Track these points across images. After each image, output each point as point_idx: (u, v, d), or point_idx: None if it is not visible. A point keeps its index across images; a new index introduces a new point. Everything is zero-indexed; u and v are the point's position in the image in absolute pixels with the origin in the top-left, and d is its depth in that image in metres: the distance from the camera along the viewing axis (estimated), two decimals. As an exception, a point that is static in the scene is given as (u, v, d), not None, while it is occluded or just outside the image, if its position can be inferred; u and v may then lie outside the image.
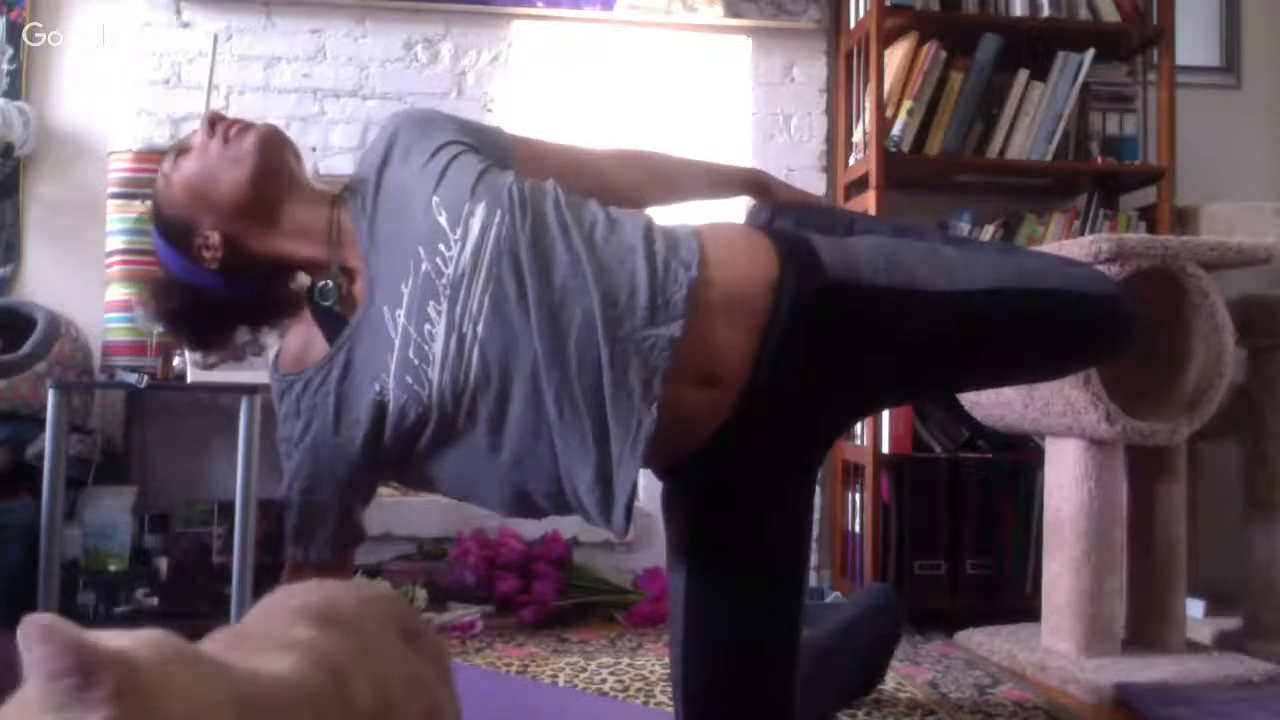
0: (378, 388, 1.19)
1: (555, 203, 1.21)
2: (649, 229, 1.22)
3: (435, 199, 1.19)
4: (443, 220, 1.18)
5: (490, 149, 1.31)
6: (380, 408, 1.19)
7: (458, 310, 1.16)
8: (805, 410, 1.26)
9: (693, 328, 1.16)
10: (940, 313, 1.25)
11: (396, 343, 1.18)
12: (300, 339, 1.31)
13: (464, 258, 1.16)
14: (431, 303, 1.16)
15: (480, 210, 1.17)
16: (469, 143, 1.29)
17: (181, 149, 1.31)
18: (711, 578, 1.28)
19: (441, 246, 1.17)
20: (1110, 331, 1.36)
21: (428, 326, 1.16)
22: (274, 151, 1.29)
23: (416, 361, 1.17)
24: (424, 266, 1.17)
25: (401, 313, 1.18)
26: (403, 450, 1.22)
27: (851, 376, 1.26)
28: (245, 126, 1.29)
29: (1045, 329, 1.32)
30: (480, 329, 1.15)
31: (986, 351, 1.32)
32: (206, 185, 1.28)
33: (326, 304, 1.26)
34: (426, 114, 1.34)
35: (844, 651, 1.75)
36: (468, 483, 1.26)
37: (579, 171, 1.36)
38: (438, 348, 1.16)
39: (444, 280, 1.16)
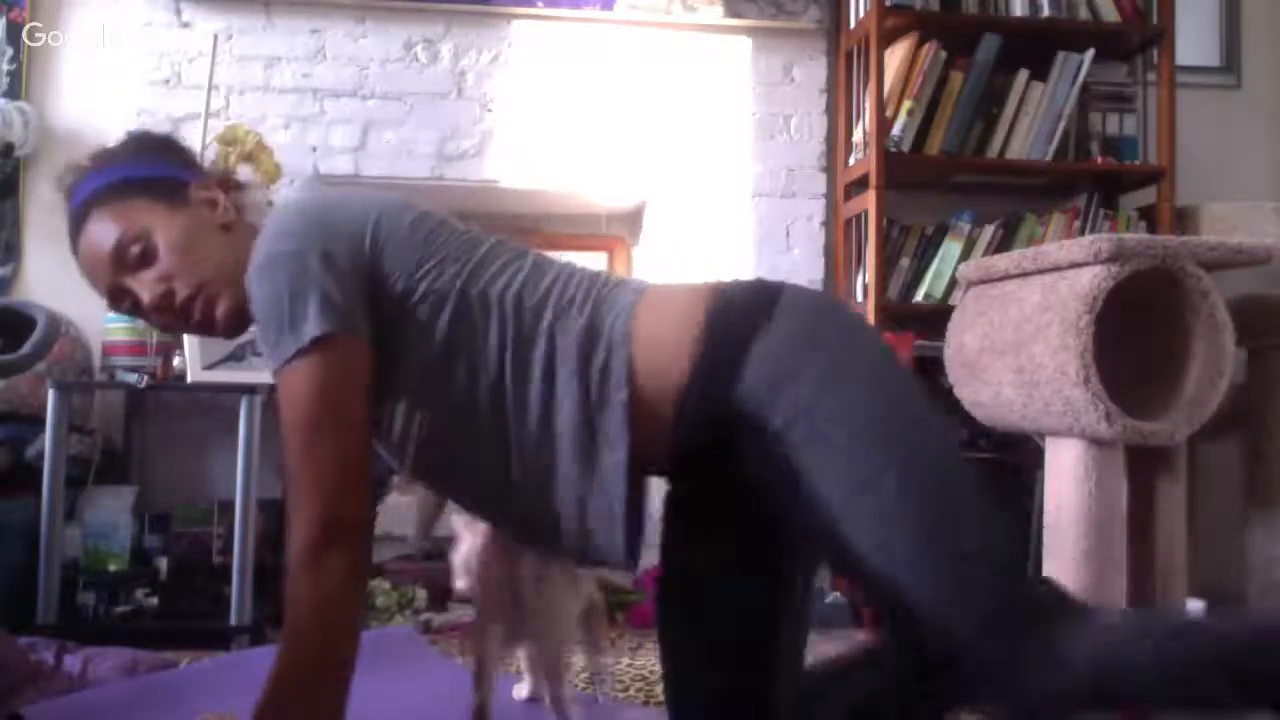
0: None
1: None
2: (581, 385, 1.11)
3: None
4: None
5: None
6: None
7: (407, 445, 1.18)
8: (731, 515, 1.21)
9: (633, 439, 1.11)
10: (809, 527, 1.10)
11: None
12: None
13: (394, 436, 1.17)
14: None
15: (400, 409, 1.16)
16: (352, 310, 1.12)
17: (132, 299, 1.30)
18: (682, 624, 1.26)
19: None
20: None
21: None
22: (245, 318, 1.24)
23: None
24: None
25: None
26: None
27: (754, 507, 1.16)
28: (209, 304, 1.26)
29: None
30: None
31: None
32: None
33: None
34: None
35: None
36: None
37: None
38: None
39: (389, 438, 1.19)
